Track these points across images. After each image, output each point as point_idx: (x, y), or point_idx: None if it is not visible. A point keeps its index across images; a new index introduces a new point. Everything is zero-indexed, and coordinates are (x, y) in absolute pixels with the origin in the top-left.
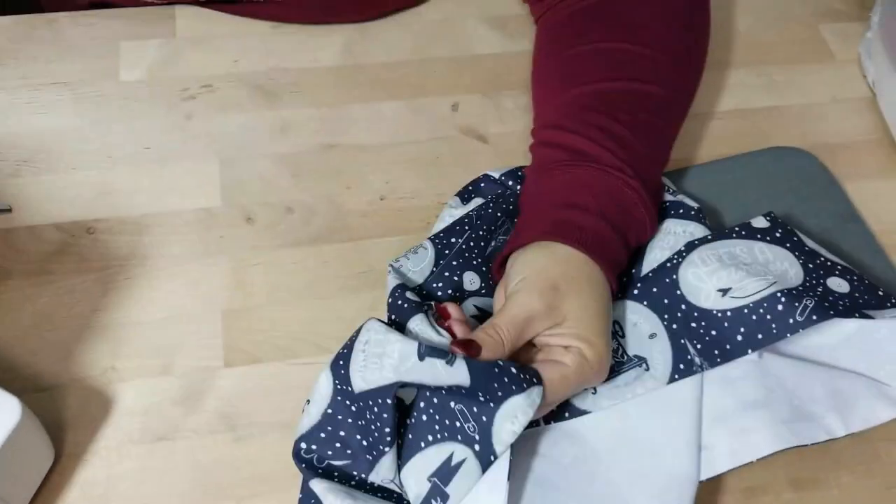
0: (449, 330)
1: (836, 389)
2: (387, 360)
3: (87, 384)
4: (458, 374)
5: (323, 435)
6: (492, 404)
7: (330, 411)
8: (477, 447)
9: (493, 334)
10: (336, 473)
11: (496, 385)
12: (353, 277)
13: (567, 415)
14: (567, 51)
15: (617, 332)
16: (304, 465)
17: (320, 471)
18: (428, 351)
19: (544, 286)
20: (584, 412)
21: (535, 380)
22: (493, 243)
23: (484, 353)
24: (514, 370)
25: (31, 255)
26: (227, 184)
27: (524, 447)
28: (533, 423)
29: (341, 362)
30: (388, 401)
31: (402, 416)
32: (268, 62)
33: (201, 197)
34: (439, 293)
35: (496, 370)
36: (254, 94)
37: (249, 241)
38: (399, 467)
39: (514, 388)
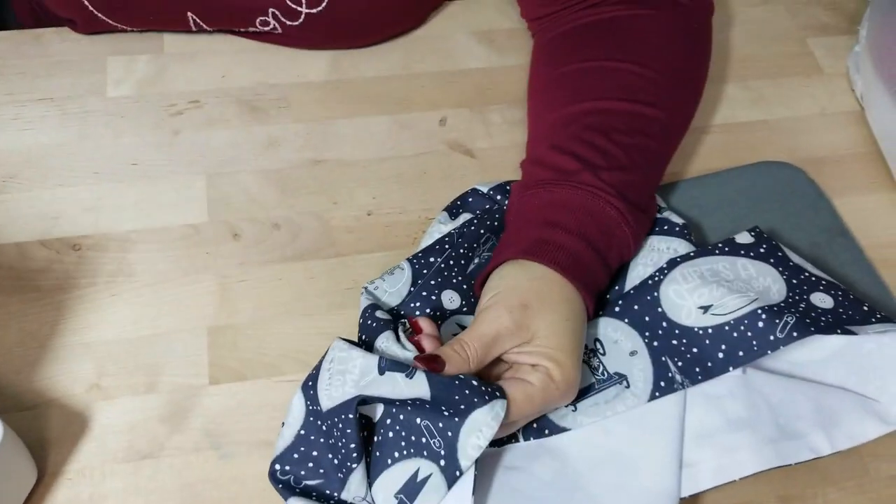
0: (417, 345)
1: (822, 406)
2: (349, 377)
3: (71, 402)
4: (418, 387)
5: (296, 456)
6: (456, 419)
7: (303, 432)
8: (442, 462)
9: (459, 350)
10: (314, 493)
11: (457, 398)
12: (340, 293)
13: (547, 432)
14: (566, 66)
15: (598, 349)
16: (280, 486)
17: (297, 490)
18: (389, 365)
19: (514, 303)
20: (563, 429)
21: (497, 393)
22: (475, 260)
23: (448, 369)
24: (475, 383)
25: (17, 271)
26: (213, 200)
27: (503, 461)
28: (512, 440)
29: (310, 383)
30: (351, 416)
31: (371, 433)
32: (255, 77)
33: (188, 213)
34: (417, 313)
35: (457, 383)
36: (241, 110)
37: (236, 258)
38: (369, 485)
39: (475, 400)
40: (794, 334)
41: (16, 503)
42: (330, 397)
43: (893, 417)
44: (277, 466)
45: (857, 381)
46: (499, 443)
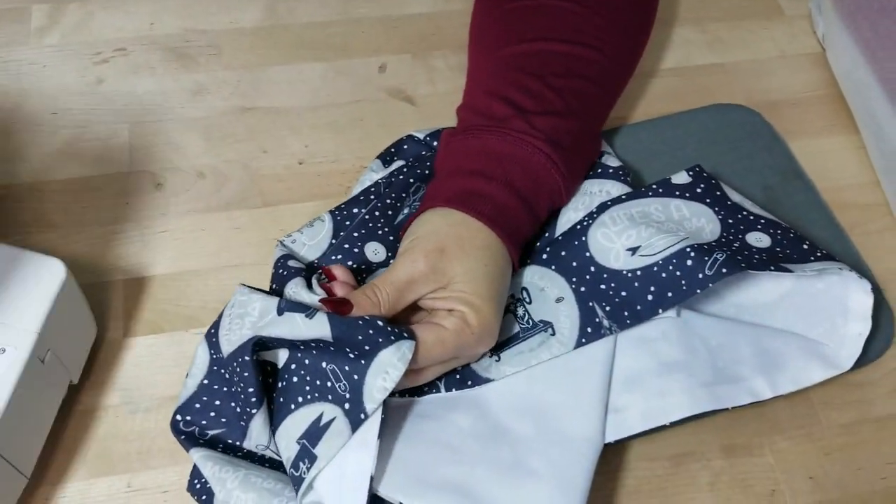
0: (329, 291)
1: (765, 349)
2: (247, 319)
3: None
4: (318, 327)
5: (198, 405)
6: (362, 361)
7: (206, 381)
8: (347, 406)
9: (370, 295)
10: (220, 445)
11: (361, 338)
12: (267, 244)
13: (470, 383)
14: (507, 3)
15: (524, 298)
16: (183, 437)
17: (201, 442)
18: (288, 306)
19: (431, 248)
20: (487, 380)
21: (406, 335)
22: (405, 210)
23: (356, 312)
24: (380, 323)
25: None
26: (136, 149)
27: (417, 411)
28: (433, 390)
29: (213, 330)
30: (247, 357)
31: (275, 379)
32: (185, 24)
33: (108, 163)
34: None
35: (360, 323)
36: (169, 58)
37: (157, 208)
38: (273, 432)
39: (380, 341)
40: (724, 270)
41: (82, 357)
42: (229, 342)
43: (841, 361)
44: (179, 417)
45: (805, 325)
46: (418, 392)
